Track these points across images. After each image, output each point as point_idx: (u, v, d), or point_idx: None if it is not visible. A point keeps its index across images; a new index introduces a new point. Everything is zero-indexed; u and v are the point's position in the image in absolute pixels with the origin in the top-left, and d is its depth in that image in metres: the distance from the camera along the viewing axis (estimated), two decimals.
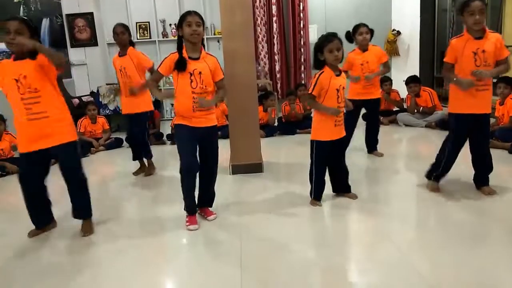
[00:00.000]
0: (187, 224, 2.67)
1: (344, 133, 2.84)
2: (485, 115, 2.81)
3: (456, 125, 2.87)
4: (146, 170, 4.00)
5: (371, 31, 3.90)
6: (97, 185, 3.76)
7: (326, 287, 1.98)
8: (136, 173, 4.02)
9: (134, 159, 4.04)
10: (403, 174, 3.76)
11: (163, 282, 2.15)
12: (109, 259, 2.36)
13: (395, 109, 6.01)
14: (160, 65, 2.63)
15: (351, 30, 3.92)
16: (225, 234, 2.60)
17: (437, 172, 3.00)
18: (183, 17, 2.51)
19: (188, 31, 2.49)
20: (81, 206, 2.70)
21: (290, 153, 4.72)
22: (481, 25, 2.67)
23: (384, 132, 5.51)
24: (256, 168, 3.78)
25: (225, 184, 3.53)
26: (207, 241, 2.52)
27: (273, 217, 2.80)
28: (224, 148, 4.23)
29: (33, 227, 2.70)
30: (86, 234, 2.65)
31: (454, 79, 2.76)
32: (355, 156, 4.05)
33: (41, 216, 2.71)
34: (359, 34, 3.85)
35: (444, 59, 2.85)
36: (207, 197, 2.85)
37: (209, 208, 2.86)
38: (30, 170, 2.57)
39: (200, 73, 2.54)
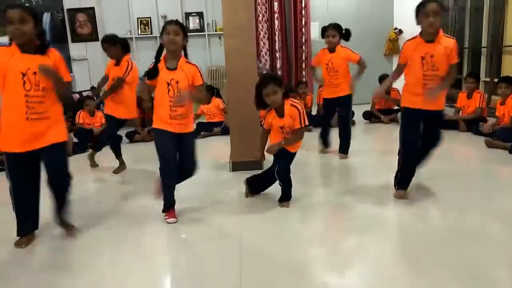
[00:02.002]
0: (166, 217, 2.73)
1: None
2: (434, 111, 2.75)
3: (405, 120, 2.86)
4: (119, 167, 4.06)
5: (342, 33, 3.92)
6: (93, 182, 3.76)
7: (326, 285, 1.99)
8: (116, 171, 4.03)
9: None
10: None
11: (161, 280, 2.16)
12: (105, 255, 2.37)
13: (396, 107, 6.00)
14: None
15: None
16: (224, 231, 2.60)
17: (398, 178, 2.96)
18: (164, 27, 2.61)
19: (166, 39, 2.58)
20: (64, 210, 2.54)
21: None
22: (434, 28, 2.60)
23: (385, 130, 5.52)
24: (256, 165, 3.77)
25: (224, 181, 3.54)
26: (206, 238, 2.52)
27: (273, 214, 2.80)
28: (224, 145, 4.26)
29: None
30: (71, 235, 2.53)
31: (384, 90, 3.02)
32: (353, 155, 4.06)
33: (30, 221, 2.52)
34: (326, 36, 3.92)
35: (398, 59, 2.88)
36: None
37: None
38: (23, 171, 2.38)
39: (177, 82, 2.61)
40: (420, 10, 2.61)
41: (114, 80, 3.78)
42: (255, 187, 3.09)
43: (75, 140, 5.10)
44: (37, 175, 2.46)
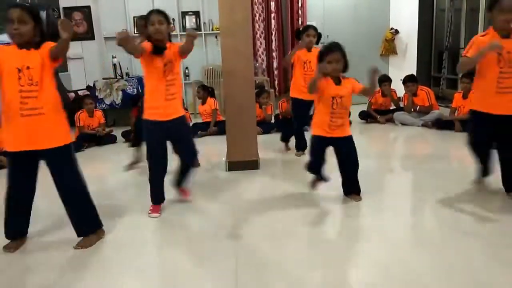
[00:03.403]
0: (150, 212, 2.81)
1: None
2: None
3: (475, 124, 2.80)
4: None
5: (319, 35, 4.00)
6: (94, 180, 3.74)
7: (325, 285, 1.99)
8: (129, 167, 3.99)
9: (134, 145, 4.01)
10: (398, 173, 3.77)
11: (156, 280, 2.15)
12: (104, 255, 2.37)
13: (392, 107, 6.03)
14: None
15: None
16: (220, 231, 2.59)
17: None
18: (147, 17, 2.63)
19: (152, 30, 2.60)
20: (82, 220, 2.43)
21: (291, 151, 4.71)
22: (511, 24, 2.53)
23: (380, 131, 5.54)
24: (252, 165, 3.78)
25: (221, 181, 3.53)
26: (203, 237, 2.52)
27: (269, 214, 2.80)
28: (220, 145, 4.25)
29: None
30: (78, 247, 2.38)
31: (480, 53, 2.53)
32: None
33: (20, 225, 2.45)
34: (307, 35, 3.93)
35: (463, 53, 2.69)
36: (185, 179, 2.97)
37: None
38: (20, 171, 2.32)
39: (170, 61, 2.65)
40: (495, 6, 2.54)
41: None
42: (317, 169, 2.96)
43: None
44: (34, 177, 2.38)
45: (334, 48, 2.68)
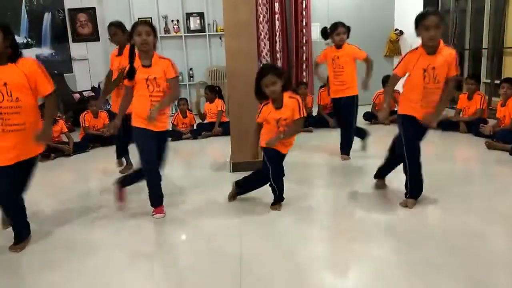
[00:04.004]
0: (154, 213, 2.83)
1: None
2: None
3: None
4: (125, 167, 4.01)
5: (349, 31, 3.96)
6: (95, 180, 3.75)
7: (327, 285, 1.98)
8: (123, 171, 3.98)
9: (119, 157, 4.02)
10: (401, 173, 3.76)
11: (160, 281, 2.15)
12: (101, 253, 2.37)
13: (396, 108, 6.00)
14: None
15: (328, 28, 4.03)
16: (224, 232, 2.60)
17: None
18: (134, 28, 2.64)
19: (138, 40, 2.61)
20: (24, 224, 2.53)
21: (290, 151, 4.70)
22: (435, 41, 2.55)
23: (385, 132, 5.51)
24: (256, 166, 3.76)
25: (225, 182, 3.53)
26: (207, 239, 2.52)
27: (273, 216, 2.80)
28: (225, 145, 4.25)
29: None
30: (17, 250, 2.41)
31: (384, 105, 2.89)
32: (354, 157, 4.06)
33: (25, 229, 2.52)
34: (337, 34, 3.90)
35: (394, 70, 2.79)
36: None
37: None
38: (7, 184, 2.34)
39: (155, 78, 2.65)
40: (420, 23, 2.54)
41: (121, 70, 3.60)
42: (244, 188, 3.04)
43: (76, 140, 5.11)
44: (22, 186, 2.48)
45: (266, 71, 2.66)
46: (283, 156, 2.86)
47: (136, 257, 2.33)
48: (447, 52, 2.61)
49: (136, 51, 2.67)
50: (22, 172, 2.42)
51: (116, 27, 3.71)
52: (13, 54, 2.27)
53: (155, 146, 2.73)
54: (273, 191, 2.89)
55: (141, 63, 2.67)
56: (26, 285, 2.14)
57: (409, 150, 2.74)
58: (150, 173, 2.78)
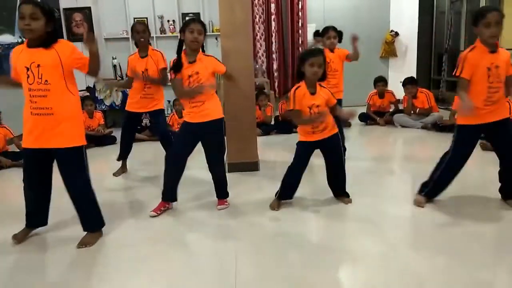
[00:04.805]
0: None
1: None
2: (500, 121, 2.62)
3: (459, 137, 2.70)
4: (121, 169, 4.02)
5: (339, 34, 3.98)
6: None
7: (323, 284, 1.99)
8: (117, 173, 3.97)
9: (120, 159, 4.00)
10: (397, 175, 3.78)
11: (157, 281, 2.15)
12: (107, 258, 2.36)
13: (391, 110, 6.03)
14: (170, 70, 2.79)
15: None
16: (220, 232, 2.60)
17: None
18: (187, 23, 2.67)
19: (190, 38, 2.64)
20: (86, 218, 2.50)
21: (286, 152, 4.70)
22: (497, 38, 2.48)
23: (380, 133, 5.54)
24: (252, 166, 3.78)
25: None
26: (202, 239, 2.52)
27: (270, 216, 2.80)
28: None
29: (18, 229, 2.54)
30: (82, 246, 2.43)
31: (465, 101, 2.46)
32: (348, 158, 4.07)
33: (38, 216, 2.54)
34: (327, 38, 3.92)
35: (461, 75, 2.55)
36: (217, 187, 2.97)
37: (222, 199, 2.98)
38: (32, 166, 2.40)
39: (197, 72, 2.69)
40: (480, 20, 2.46)
41: (145, 73, 3.58)
42: (289, 194, 2.95)
43: None
44: (47, 174, 2.46)
45: (318, 52, 2.68)
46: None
47: (131, 256, 2.32)
48: (503, 51, 2.57)
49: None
50: (48, 162, 2.41)
51: (145, 25, 3.74)
52: (53, 38, 2.27)
53: (187, 138, 2.79)
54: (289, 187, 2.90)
55: (187, 59, 2.70)
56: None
57: (455, 161, 2.72)
58: (168, 163, 2.84)
